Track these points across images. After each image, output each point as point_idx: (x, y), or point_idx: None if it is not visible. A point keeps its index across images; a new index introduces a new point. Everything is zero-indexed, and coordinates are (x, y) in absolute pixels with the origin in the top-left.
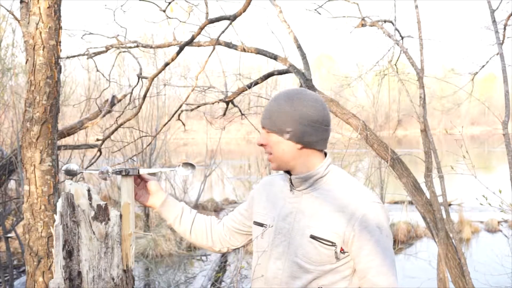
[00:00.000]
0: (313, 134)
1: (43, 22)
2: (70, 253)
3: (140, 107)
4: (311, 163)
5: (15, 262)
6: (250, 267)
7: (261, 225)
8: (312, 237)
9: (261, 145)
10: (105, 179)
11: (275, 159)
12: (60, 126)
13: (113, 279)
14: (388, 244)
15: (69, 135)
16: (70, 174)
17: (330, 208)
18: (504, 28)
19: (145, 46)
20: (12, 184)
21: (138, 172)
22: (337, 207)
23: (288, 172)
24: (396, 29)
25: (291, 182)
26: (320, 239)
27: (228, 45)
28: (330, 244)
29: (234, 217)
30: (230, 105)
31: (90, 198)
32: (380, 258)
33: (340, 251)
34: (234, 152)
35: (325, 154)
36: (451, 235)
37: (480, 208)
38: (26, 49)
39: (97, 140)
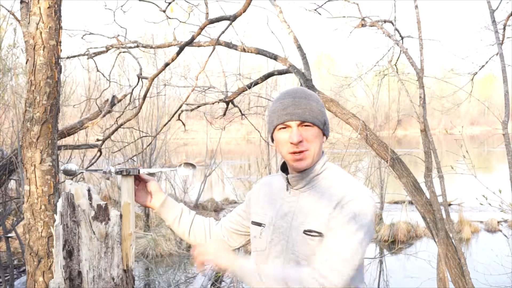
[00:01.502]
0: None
1: (43, 22)
2: (70, 253)
3: (140, 107)
4: None
5: (15, 262)
6: None
7: (259, 224)
8: (305, 232)
9: (299, 142)
10: (108, 178)
11: (310, 155)
12: (60, 126)
13: (113, 279)
14: (359, 237)
15: (69, 135)
16: (69, 174)
17: (325, 204)
18: (504, 28)
19: (145, 46)
20: (12, 184)
21: (139, 172)
22: (330, 202)
23: (284, 171)
24: (396, 29)
25: (288, 182)
26: (310, 232)
27: (228, 45)
28: (317, 234)
29: (232, 218)
30: (230, 105)
31: (90, 198)
32: (343, 252)
33: None
34: (234, 152)
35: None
36: (451, 235)
37: (480, 208)
38: (26, 49)
39: (97, 140)
